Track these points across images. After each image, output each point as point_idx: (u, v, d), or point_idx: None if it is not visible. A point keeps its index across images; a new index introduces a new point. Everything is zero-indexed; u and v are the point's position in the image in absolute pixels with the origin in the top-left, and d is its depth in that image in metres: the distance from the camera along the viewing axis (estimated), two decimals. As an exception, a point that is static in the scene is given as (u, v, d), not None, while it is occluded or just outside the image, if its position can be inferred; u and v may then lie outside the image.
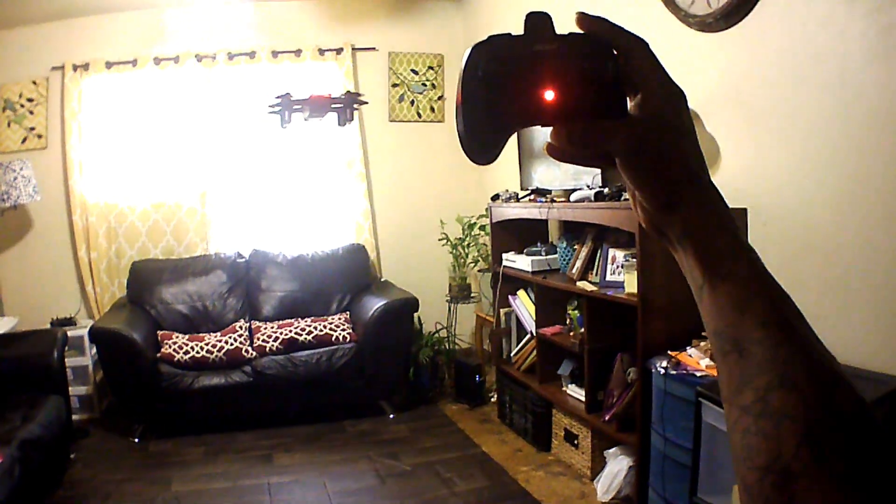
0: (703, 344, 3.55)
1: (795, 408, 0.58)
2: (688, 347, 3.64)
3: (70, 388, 5.24)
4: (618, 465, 4.28)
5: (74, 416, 5.48)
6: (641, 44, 0.69)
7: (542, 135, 5.42)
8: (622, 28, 0.68)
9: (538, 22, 0.66)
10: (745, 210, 3.81)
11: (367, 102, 5.00)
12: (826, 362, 0.61)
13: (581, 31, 0.68)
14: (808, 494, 0.55)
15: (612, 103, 0.68)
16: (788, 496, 0.56)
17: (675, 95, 0.70)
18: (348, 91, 4.45)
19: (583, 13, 0.68)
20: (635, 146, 0.68)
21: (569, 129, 0.66)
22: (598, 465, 4.53)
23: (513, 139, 5.65)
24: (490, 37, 0.65)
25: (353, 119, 4.44)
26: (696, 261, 0.69)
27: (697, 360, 3.49)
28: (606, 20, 0.68)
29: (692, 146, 0.70)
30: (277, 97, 4.97)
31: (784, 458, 0.57)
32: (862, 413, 0.59)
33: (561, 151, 0.68)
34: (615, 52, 0.68)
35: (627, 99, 0.69)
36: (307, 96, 4.82)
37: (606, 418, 4.32)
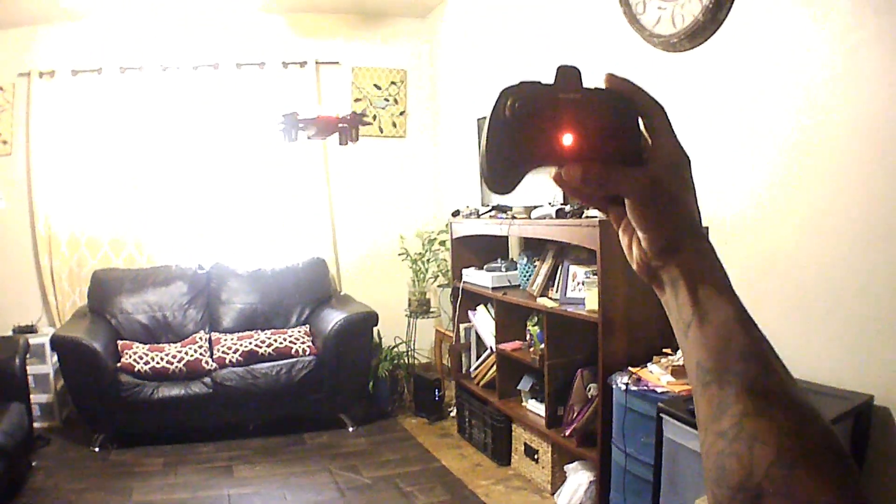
0: (663, 360, 3.60)
1: (769, 433, 0.64)
2: (648, 364, 3.69)
3: (31, 396, 5.20)
4: (578, 479, 4.32)
5: (35, 424, 5.43)
6: (660, 106, 0.76)
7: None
8: (645, 90, 0.75)
9: (567, 73, 0.71)
10: (706, 228, 3.87)
11: (370, 123, 4.99)
12: (800, 394, 0.68)
13: (606, 88, 0.73)
14: None
15: (630, 151, 0.74)
16: None
17: (685, 156, 0.77)
18: (354, 112, 4.43)
19: (611, 74, 0.74)
20: (649, 190, 0.74)
21: (586, 168, 0.71)
22: (559, 479, 4.57)
23: (474, 156, 5.69)
24: (521, 82, 0.70)
25: (357, 140, 4.46)
26: (688, 299, 0.75)
27: (658, 376, 3.53)
28: (631, 81, 0.75)
29: (695, 201, 0.77)
30: (284, 115, 4.97)
31: (755, 478, 0.62)
32: (830, 441, 0.65)
33: (572, 188, 0.73)
34: (636, 109, 0.74)
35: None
36: (314, 115, 4.81)
37: (567, 433, 4.36)
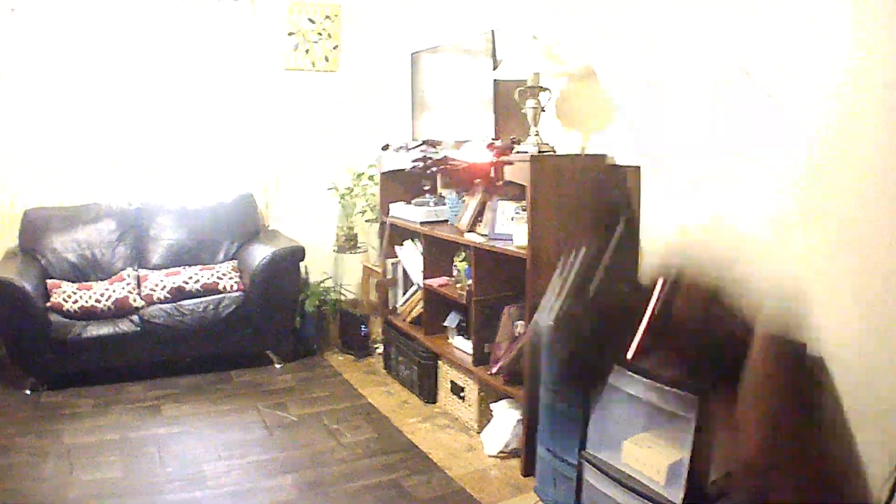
0: (592, 298, 3.57)
1: None
2: (577, 302, 3.66)
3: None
4: (505, 418, 4.31)
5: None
6: None
7: (434, 87, 5.39)
8: None
9: None
10: (637, 168, 3.86)
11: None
12: None
13: None
14: None
15: None
16: None
17: None
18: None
19: None
20: None
21: None
22: (486, 418, 4.55)
23: (407, 89, 5.63)
24: None
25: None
26: None
27: (587, 314, 3.50)
28: None
29: None
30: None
31: None
32: None
33: None
34: None
35: None
36: (461, 161, 4.65)
37: (493, 371, 4.33)
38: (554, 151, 4.12)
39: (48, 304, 5.36)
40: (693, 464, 2.62)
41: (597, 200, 3.96)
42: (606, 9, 4.02)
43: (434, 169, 4.88)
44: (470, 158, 4.55)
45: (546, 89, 4.14)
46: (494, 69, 4.59)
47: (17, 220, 6.07)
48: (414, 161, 5.10)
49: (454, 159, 4.73)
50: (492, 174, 4.23)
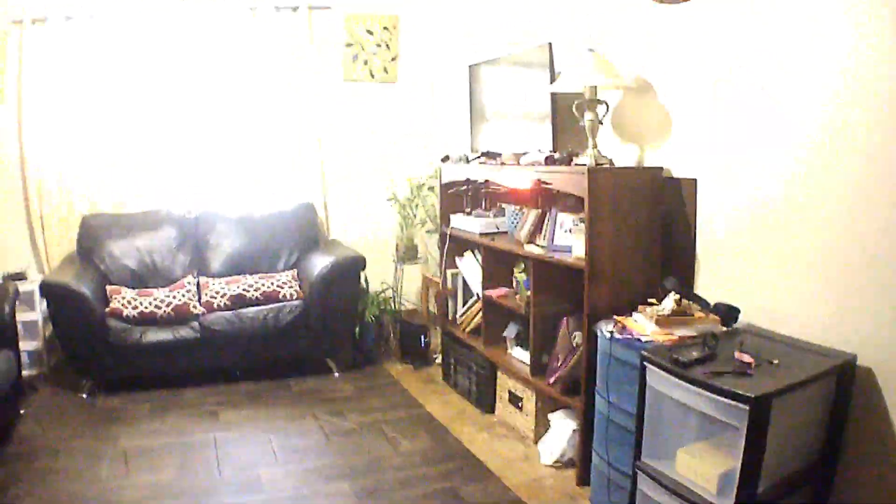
0: (648, 310, 3.58)
1: None
2: (633, 313, 3.67)
3: (20, 344, 5.17)
4: (562, 428, 4.33)
5: (24, 372, 5.41)
6: None
7: (492, 99, 5.42)
8: None
9: None
10: (694, 180, 3.85)
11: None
12: None
13: None
14: None
15: None
16: None
17: None
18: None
19: None
20: None
21: None
22: (542, 427, 4.57)
23: (465, 100, 5.66)
24: None
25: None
26: None
27: (643, 325, 3.52)
28: None
29: None
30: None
31: None
32: None
33: None
34: None
35: None
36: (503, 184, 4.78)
37: (551, 381, 4.35)
38: (612, 164, 4.13)
39: (107, 310, 5.47)
40: (744, 473, 2.63)
41: (653, 212, 3.98)
42: (661, 22, 4.04)
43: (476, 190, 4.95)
44: (510, 183, 4.62)
45: (603, 102, 4.15)
46: (552, 82, 4.61)
47: (76, 225, 6.21)
48: (456, 182, 5.18)
49: (496, 182, 4.80)
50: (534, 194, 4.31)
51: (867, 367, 2.94)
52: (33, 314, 5.84)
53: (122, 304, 5.51)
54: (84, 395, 5.45)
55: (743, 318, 3.46)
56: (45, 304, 5.52)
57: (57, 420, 5.06)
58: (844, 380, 2.94)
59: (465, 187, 5.57)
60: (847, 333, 3.04)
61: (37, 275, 6.19)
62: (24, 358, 5.63)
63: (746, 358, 2.90)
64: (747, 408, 2.57)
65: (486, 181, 5.16)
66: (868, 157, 2.93)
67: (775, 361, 2.90)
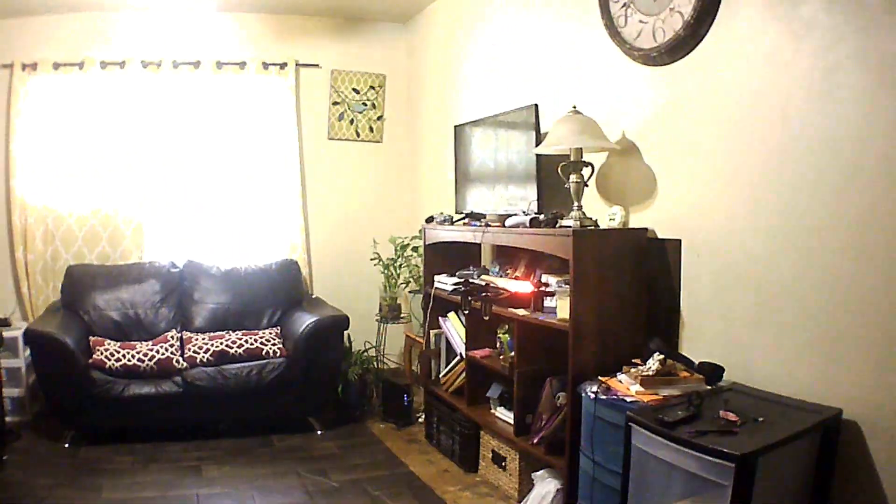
0: (633, 370, 3.61)
1: None
2: (618, 373, 3.70)
3: (3, 390, 5.20)
4: (545, 487, 4.32)
5: (6, 419, 5.42)
6: None
7: (477, 160, 5.47)
8: None
9: None
10: (679, 241, 3.90)
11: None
12: None
13: None
14: None
15: None
16: None
17: None
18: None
19: None
20: None
21: None
22: (526, 487, 4.57)
23: (450, 161, 5.73)
24: None
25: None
26: None
27: (627, 385, 3.54)
28: None
29: None
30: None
31: None
32: None
33: None
34: None
35: None
36: (504, 289, 4.83)
37: (535, 441, 4.36)
38: (596, 225, 4.18)
39: (90, 361, 5.49)
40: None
41: (638, 273, 4.03)
42: (646, 84, 4.12)
43: (474, 295, 4.98)
44: (512, 289, 4.68)
45: (588, 164, 4.21)
46: (538, 143, 4.67)
47: (60, 274, 6.24)
48: (455, 286, 5.23)
49: (497, 286, 4.85)
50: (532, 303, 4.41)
51: (852, 420, 2.98)
52: (17, 361, 5.86)
53: (106, 357, 5.53)
54: (66, 445, 5.44)
55: (727, 377, 3.50)
56: (28, 351, 5.53)
57: (39, 468, 5.03)
58: (830, 434, 2.98)
59: (449, 246, 5.61)
60: (831, 388, 3.08)
61: (21, 322, 6.20)
62: (7, 404, 5.62)
63: (731, 416, 2.94)
64: (733, 465, 2.60)
65: (469, 293, 5.18)
66: (850, 219, 2.99)
67: (760, 419, 2.94)
